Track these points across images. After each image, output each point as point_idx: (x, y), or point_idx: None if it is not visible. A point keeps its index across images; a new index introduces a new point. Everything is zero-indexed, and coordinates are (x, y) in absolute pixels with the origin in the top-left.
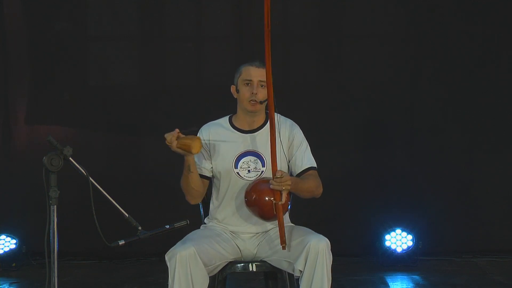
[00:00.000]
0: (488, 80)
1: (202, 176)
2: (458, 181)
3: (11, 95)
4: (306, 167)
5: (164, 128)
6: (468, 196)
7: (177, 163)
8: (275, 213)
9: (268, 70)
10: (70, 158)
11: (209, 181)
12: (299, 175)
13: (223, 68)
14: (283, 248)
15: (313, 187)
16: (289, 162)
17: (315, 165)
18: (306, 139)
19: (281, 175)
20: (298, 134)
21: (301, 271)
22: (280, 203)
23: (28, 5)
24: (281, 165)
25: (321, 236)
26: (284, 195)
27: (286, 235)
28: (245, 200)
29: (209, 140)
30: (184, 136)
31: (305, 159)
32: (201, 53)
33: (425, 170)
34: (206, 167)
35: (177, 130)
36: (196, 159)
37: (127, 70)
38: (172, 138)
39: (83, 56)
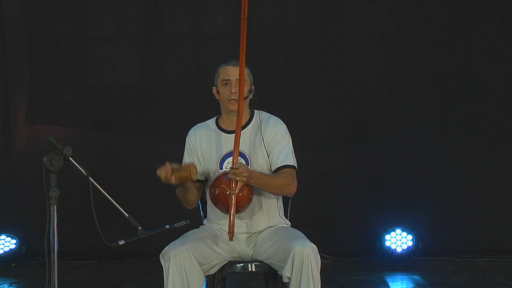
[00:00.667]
0: (488, 80)
1: (196, 181)
2: (458, 181)
3: (11, 95)
4: (282, 164)
5: (164, 128)
6: (468, 196)
7: (176, 163)
8: (229, 203)
9: (242, 60)
10: (70, 158)
11: (204, 184)
12: (274, 171)
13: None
14: (230, 239)
15: (281, 184)
16: (268, 157)
17: (292, 163)
18: (306, 139)
19: (239, 167)
20: (281, 130)
21: (289, 277)
22: (233, 192)
23: (28, 6)
24: (263, 161)
25: (306, 241)
26: (239, 185)
27: (282, 235)
28: (210, 196)
29: (196, 144)
30: (177, 167)
31: (282, 156)
32: (201, 53)
33: (425, 170)
34: (198, 172)
35: (167, 163)
36: (188, 160)
37: (127, 70)
38: (167, 175)
39: (83, 56)
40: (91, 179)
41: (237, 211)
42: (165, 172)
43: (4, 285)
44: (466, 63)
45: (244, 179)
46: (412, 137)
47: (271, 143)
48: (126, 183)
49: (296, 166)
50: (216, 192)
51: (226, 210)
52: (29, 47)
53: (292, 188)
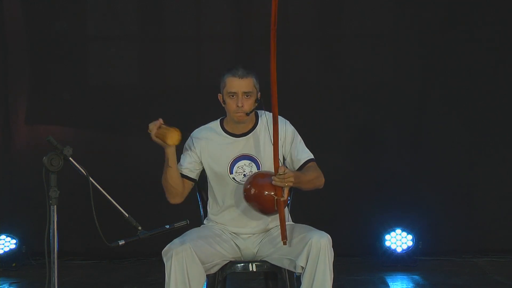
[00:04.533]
0: (489, 79)
1: (183, 176)
2: (458, 181)
3: (11, 95)
4: (305, 160)
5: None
6: (468, 196)
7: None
8: (276, 208)
9: (273, 69)
10: (70, 158)
11: (193, 184)
12: (299, 169)
13: (223, 68)
14: (284, 243)
15: (314, 178)
16: (284, 159)
17: (312, 156)
18: (307, 139)
19: (284, 171)
20: (289, 129)
21: (303, 268)
22: (282, 199)
23: (28, 5)
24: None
25: (322, 232)
26: (286, 191)
27: (287, 233)
28: (244, 195)
29: (201, 146)
30: (165, 126)
31: (301, 152)
32: (201, 53)
33: (425, 170)
34: (188, 168)
35: (160, 119)
36: (182, 161)
37: (127, 70)
38: (154, 126)
39: (83, 56)
40: (91, 179)
41: (272, 212)
42: (153, 124)
43: (4, 285)
44: (467, 63)
45: (291, 183)
46: (412, 137)
47: (284, 144)
48: (126, 183)
49: (314, 158)
50: (253, 191)
51: (260, 210)
52: (29, 47)
53: (322, 179)
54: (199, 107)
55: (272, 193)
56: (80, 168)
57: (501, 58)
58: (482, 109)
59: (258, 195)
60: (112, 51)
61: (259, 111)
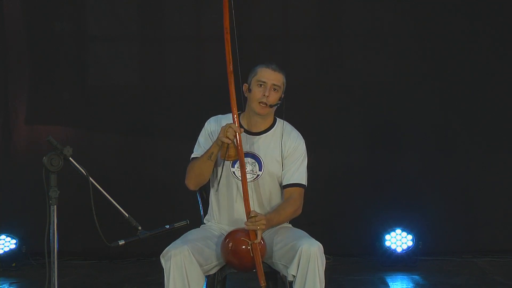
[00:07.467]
0: (490, 80)
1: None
2: (458, 181)
3: (11, 95)
4: (294, 182)
5: (163, 128)
6: (468, 196)
7: (176, 163)
8: (252, 254)
9: (230, 76)
10: (70, 158)
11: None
12: (285, 187)
13: (223, 68)
14: (263, 287)
15: (290, 214)
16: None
17: (303, 182)
18: (306, 139)
19: (255, 214)
20: (300, 147)
21: (294, 276)
22: (256, 241)
23: (28, 5)
24: (275, 169)
25: (313, 240)
26: (259, 234)
27: (283, 235)
28: (222, 251)
29: (214, 132)
30: (234, 145)
31: (296, 174)
32: (201, 53)
33: (425, 170)
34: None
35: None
36: (204, 144)
37: (127, 70)
38: (233, 137)
39: (83, 56)
40: (91, 179)
41: (249, 264)
42: (235, 133)
43: (4, 285)
44: (469, 63)
45: (264, 226)
46: (412, 137)
47: (288, 156)
48: (126, 183)
49: (306, 185)
50: (230, 246)
51: (238, 264)
52: (29, 47)
53: (298, 211)
54: (199, 107)
55: (248, 244)
56: (80, 168)
57: (504, 58)
58: (483, 109)
59: (234, 248)
60: (112, 51)
61: (278, 119)
